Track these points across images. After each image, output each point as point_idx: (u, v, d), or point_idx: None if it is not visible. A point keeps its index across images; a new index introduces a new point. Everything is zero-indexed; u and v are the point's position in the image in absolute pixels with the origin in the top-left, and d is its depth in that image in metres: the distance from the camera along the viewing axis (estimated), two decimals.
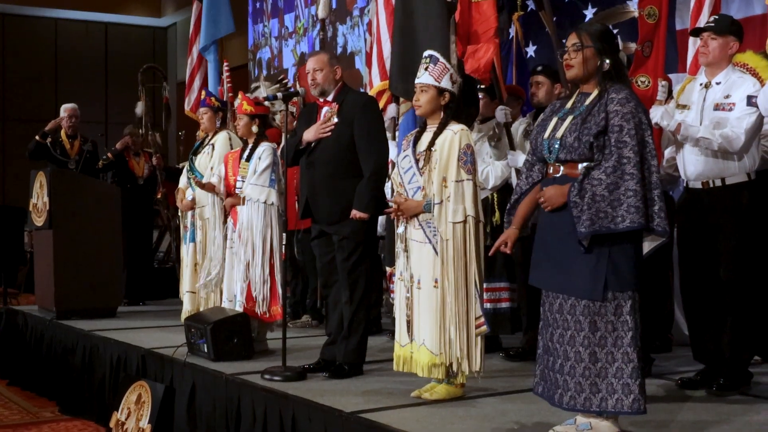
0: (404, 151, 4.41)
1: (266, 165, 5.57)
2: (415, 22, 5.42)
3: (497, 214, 5.59)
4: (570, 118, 3.59)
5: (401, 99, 6.09)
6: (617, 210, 3.40)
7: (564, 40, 3.73)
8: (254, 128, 5.70)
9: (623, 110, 3.47)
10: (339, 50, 11.66)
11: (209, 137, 6.62)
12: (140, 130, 9.22)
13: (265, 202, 5.55)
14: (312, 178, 5.02)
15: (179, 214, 6.92)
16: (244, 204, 5.61)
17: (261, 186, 5.56)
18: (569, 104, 3.68)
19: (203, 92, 6.97)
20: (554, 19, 5.96)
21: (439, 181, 4.18)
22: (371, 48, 7.20)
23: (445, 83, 4.30)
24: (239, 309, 5.57)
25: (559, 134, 3.58)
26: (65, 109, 9.07)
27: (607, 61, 3.60)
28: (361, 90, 7.40)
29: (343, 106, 4.94)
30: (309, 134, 4.99)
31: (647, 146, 3.47)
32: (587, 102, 3.59)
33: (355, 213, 4.80)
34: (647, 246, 3.60)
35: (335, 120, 4.92)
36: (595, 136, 3.48)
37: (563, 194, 3.52)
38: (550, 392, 3.59)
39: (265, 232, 5.54)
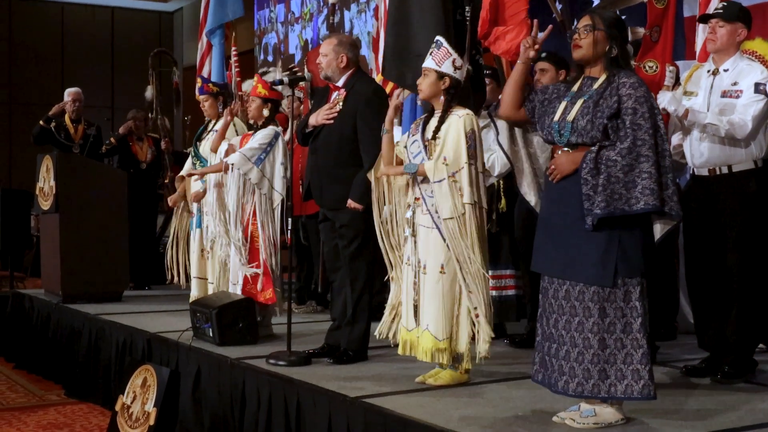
0: (413, 135, 4.39)
1: (260, 141, 5.54)
2: (409, 7, 5.39)
3: (503, 200, 5.58)
4: (581, 101, 3.57)
5: None
6: (632, 192, 3.40)
7: (574, 24, 3.73)
8: (265, 112, 5.69)
9: (636, 94, 3.47)
10: None
11: (213, 123, 6.62)
12: (149, 114, 9.22)
13: (244, 175, 5.51)
14: (315, 163, 5.02)
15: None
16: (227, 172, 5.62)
17: (245, 158, 5.52)
18: (576, 87, 3.67)
19: (199, 80, 6.92)
20: (560, 6, 5.94)
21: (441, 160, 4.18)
22: (378, 33, 7.18)
23: (446, 68, 4.29)
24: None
25: (570, 117, 3.57)
26: (69, 93, 9.07)
27: (615, 47, 3.60)
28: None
29: (350, 95, 4.93)
30: (313, 118, 4.99)
31: (659, 130, 3.47)
32: (596, 86, 3.59)
33: (350, 203, 4.80)
34: (659, 230, 3.58)
35: (340, 107, 4.92)
36: (609, 118, 3.48)
37: (575, 162, 3.50)
38: (552, 379, 3.59)
39: (239, 203, 5.52)
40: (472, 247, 4.14)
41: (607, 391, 3.49)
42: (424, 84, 4.33)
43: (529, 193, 3.94)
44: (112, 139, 8.92)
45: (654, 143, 3.43)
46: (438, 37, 4.38)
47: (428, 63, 4.32)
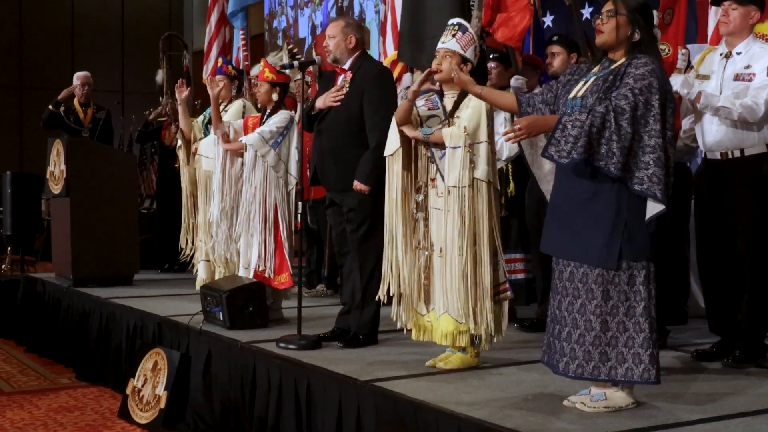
0: (431, 110, 4.35)
1: (277, 125, 5.53)
2: None
3: (512, 184, 5.57)
4: (593, 78, 3.57)
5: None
6: (600, 148, 3.38)
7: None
8: (275, 96, 5.68)
9: (635, 71, 3.46)
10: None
11: (224, 105, 6.61)
12: (160, 98, 9.25)
13: (263, 157, 5.49)
14: (321, 146, 5.03)
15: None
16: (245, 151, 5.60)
17: (263, 139, 5.51)
18: (596, 69, 3.65)
19: (220, 59, 6.95)
20: None
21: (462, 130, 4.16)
22: (385, 17, 7.17)
23: (470, 54, 4.28)
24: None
25: (580, 93, 3.57)
26: (78, 77, 9.10)
27: (638, 32, 3.57)
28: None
29: (357, 76, 4.93)
30: (320, 101, 4.99)
31: (652, 109, 3.41)
32: (612, 67, 3.57)
33: (357, 185, 4.79)
34: (650, 209, 3.50)
35: (346, 89, 4.91)
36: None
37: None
38: (554, 360, 3.59)
39: (267, 190, 5.51)
40: (482, 223, 4.12)
41: (607, 374, 3.49)
42: (446, 65, 4.25)
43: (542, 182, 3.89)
44: (141, 127, 9.08)
45: (633, 116, 3.37)
46: (461, 21, 4.35)
47: (452, 45, 4.25)
